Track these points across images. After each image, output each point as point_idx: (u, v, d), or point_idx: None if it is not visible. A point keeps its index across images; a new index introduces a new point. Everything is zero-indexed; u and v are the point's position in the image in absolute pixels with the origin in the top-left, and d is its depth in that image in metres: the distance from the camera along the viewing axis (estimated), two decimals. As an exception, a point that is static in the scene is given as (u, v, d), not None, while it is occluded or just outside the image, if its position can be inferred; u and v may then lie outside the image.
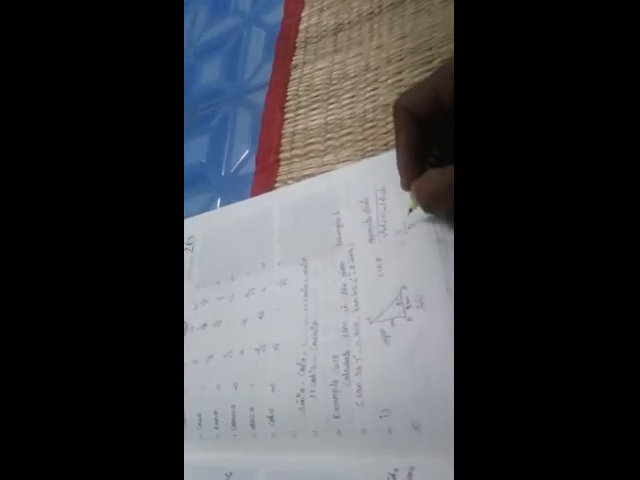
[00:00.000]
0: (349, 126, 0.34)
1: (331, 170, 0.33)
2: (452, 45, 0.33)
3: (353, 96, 0.36)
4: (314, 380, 0.25)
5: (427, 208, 0.25)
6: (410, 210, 0.26)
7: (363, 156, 0.32)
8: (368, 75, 0.36)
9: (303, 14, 0.44)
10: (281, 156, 0.37)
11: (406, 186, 0.26)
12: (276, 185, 0.35)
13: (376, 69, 0.36)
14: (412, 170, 0.25)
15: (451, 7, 0.35)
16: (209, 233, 0.35)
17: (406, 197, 0.26)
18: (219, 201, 0.38)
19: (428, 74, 0.25)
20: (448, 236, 0.25)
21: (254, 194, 0.36)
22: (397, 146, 0.25)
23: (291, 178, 0.35)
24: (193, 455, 0.25)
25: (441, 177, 0.23)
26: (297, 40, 0.43)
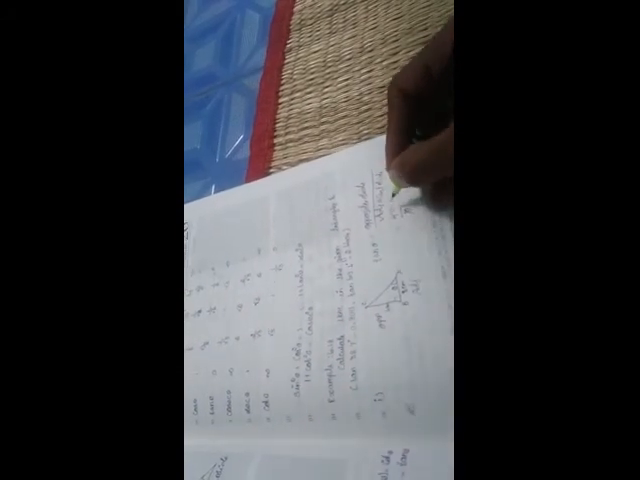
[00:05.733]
0: (344, 109, 0.34)
1: (326, 154, 0.32)
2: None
3: (348, 79, 0.35)
4: (309, 365, 0.25)
5: (411, 180, 0.24)
6: (393, 195, 0.26)
7: (359, 139, 0.32)
8: (363, 57, 0.35)
9: (298, -5, 0.43)
10: (276, 141, 0.36)
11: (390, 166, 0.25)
12: (271, 170, 0.35)
13: (371, 51, 0.35)
14: (399, 153, 0.24)
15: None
16: (204, 219, 0.35)
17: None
18: (213, 187, 0.38)
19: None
20: (444, 221, 0.25)
21: (249, 180, 0.35)
22: (388, 128, 0.25)
23: (286, 163, 0.34)
24: (189, 440, 0.24)
25: (424, 148, 0.22)
26: (292, 22, 0.42)
